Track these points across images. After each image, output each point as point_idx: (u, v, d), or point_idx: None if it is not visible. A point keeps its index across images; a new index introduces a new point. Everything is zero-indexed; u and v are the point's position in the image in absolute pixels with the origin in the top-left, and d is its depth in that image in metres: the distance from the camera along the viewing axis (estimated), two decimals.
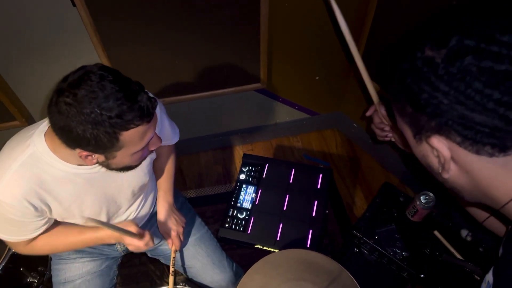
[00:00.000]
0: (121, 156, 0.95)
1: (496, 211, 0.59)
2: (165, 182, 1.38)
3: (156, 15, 1.59)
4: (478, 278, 1.34)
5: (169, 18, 1.61)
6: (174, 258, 1.31)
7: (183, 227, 1.34)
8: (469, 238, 1.33)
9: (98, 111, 0.82)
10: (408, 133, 0.61)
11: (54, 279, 1.35)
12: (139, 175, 1.19)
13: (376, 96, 1.06)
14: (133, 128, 0.87)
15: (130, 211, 1.29)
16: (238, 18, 1.68)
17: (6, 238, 1.08)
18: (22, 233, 1.08)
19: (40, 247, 1.14)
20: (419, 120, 0.56)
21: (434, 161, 0.59)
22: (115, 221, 1.27)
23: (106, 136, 0.85)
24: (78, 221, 1.16)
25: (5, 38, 1.56)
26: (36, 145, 0.97)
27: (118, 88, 0.84)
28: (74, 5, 1.46)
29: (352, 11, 1.79)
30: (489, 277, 0.65)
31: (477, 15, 0.49)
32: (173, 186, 1.40)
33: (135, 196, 1.25)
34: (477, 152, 0.51)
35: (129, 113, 0.85)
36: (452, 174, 0.58)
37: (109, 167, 1.00)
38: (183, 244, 1.41)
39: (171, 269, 1.29)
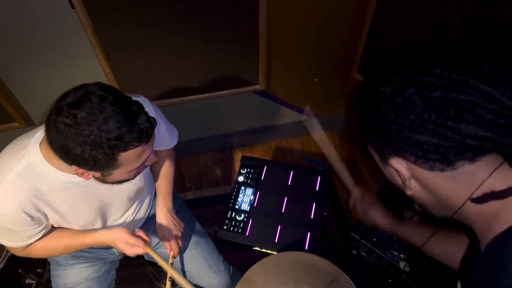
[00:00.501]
0: (118, 174, 0.96)
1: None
2: (164, 187, 1.37)
3: (155, 17, 1.59)
4: None
5: (168, 20, 1.62)
6: (172, 263, 1.31)
7: (181, 232, 1.34)
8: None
9: (97, 133, 0.82)
10: (377, 158, 0.71)
11: (53, 285, 1.36)
12: (135, 181, 1.18)
13: (352, 183, 1.22)
14: (131, 149, 0.88)
15: (127, 216, 1.29)
16: (237, 21, 1.69)
17: (4, 242, 1.09)
18: (19, 240, 1.08)
19: (36, 251, 1.15)
20: (380, 145, 0.66)
21: (398, 180, 0.68)
22: (113, 225, 1.27)
23: (104, 157, 0.86)
24: (75, 227, 1.16)
25: (5, 40, 1.56)
26: (31, 155, 0.97)
27: (118, 110, 0.84)
28: (73, 7, 1.47)
29: (351, 11, 1.79)
30: None
31: (415, 54, 0.61)
32: (172, 190, 1.40)
33: (131, 201, 1.25)
34: (431, 169, 0.60)
35: (128, 135, 0.85)
36: (415, 191, 0.67)
37: (104, 182, 1.00)
38: (181, 249, 1.41)
39: (169, 275, 1.28)
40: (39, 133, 1.00)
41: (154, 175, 1.38)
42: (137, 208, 1.32)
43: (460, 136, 0.54)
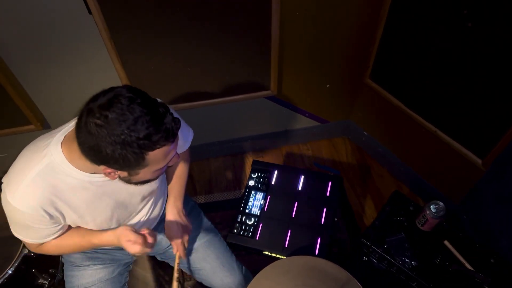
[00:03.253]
0: (144, 173, 0.99)
1: None
2: (176, 188, 1.39)
3: (170, 23, 1.62)
4: None
5: (181, 26, 1.64)
6: (178, 263, 1.33)
7: (188, 234, 1.36)
8: None
9: (128, 133, 0.85)
10: None
11: (67, 286, 1.38)
12: (150, 184, 1.21)
13: None
14: (158, 148, 0.91)
15: (141, 216, 1.31)
16: (249, 26, 1.70)
17: (22, 238, 1.12)
18: (36, 237, 1.12)
19: (49, 248, 1.18)
20: None
21: None
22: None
23: (133, 156, 0.89)
24: (91, 226, 1.18)
25: (23, 45, 1.60)
26: (53, 155, 1.00)
27: (146, 111, 0.87)
28: (90, 12, 1.50)
29: (364, 17, 1.80)
30: None
31: None
32: (183, 192, 1.41)
33: (144, 201, 1.27)
34: None
35: (156, 134, 0.88)
36: None
37: (129, 181, 1.03)
38: (188, 250, 1.43)
39: (175, 275, 1.30)
40: (60, 133, 1.03)
41: (168, 176, 1.40)
42: (151, 209, 1.33)
43: None
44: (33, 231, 1.09)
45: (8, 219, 1.08)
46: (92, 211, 1.12)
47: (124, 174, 0.98)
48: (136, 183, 1.06)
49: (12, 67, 1.68)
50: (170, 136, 0.92)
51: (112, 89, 0.90)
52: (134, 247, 1.09)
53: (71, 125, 1.06)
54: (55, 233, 1.13)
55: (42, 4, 1.47)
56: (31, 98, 1.84)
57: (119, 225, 1.25)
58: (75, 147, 0.95)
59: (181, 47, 1.73)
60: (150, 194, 1.27)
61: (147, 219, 1.33)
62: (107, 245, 1.20)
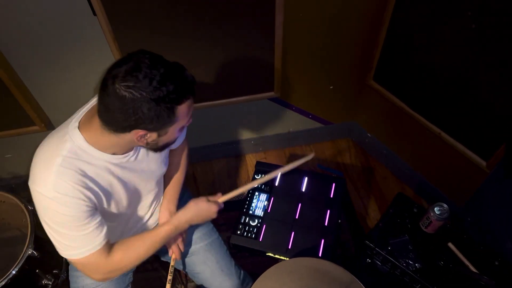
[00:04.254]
0: (172, 132, 1.03)
1: None
2: (170, 191, 1.41)
3: (173, 25, 1.62)
4: None
5: (186, 28, 1.65)
6: (172, 266, 1.35)
7: (182, 237, 1.37)
8: None
9: (160, 88, 0.90)
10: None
11: (71, 286, 1.38)
12: (160, 165, 1.27)
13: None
14: (184, 101, 0.97)
15: (145, 211, 1.34)
16: (253, 28, 1.71)
17: (76, 254, 1.05)
18: (87, 239, 1.05)
19: (120, 259, 1.12)
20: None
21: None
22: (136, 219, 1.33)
23: (166, 111, 0.94)
24: (113, 211, 1.16)
25: (28, 46, 1.61)
26: (73, 139, 1.01)
27: (169, 68, 0.94)
28: (94, 14, 1.51)
29: (367, 19, 1.79)
30: None
31: None
32: (178, 197, 1.42)
33: (156, 186, 1.31)
34: None
35: (182, 87, 0.95)
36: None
37: (156, 145, 1.08)
38: (189, 252, 1.44)
39: (169, 277, 1.32)
40: (74, 120, 1.06)
41: (165, 179, 1.41)
42: (154, 208, 1.36)
43: None
44: (74, 230, 1.02)
45: (52, 228, 1.01)
46: (114, 195, 1.14)
47: (153, 136, 1.01)
48: (158, 149, 1.11)
49: (17, 68, 1.69)
50: (192, 89, 0.99)
51: (129, 55, 0.94)
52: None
53: (82, 112, 1.08)
54: (98, 225, 1.06)
55: (47, 5, 1.48)
56: (36, 99, 1.85)
57: (132, 214, 1.29)
58: (94, 127, 0.99)
59: (185, 48, 1.73)
60: (159, 179, 1.33)
61: (149, 218, 1.35)
62: (180, 230, 1.26)
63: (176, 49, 1.73)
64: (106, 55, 1.69)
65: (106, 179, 1.09)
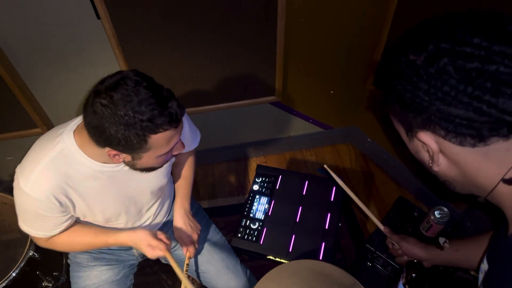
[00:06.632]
0: (147, 158, 0.99)
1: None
2: (183, 189, 1.40)
3: (177, 29, 1.64)
4: None
5: (189, 33, 1.66)
6: (187, 264, 1.32)
7: (198, 234, 1.36)
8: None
9: (132, 114, 0.87)
10: (402, 132, 0.70)
11: (72, 286, 1.38)
12: (159, 177, 1.23)
13: (380, 224, 1.26)
14: (161, 132, 0.92)
15: (148, 215, 1.32)
16: (255, 32, 1.72)
17: (30, 231, 1.13)
18: (45, 229, 1.13)
19: (57, 244, 1.19)
20: (407, 117, 0.62)
21: (425, 156, 0.66)
22: (135, 225, 1.31)
23: (136, 138, 0.90)
24: (99, 219, 1.19)
25: (31, 49, 1.62)
26: (65, 142, 1.02)
27: (151, 94, 0.89)
28: (98, 17, 1.52)
29: (368, 24, 1.81)
30: None
31: (451, 22, 0.56)
32: (190, 193, 1.42)
33: (153, 197, 1.28)
34: (461, 144, 0.57)
35: (159, 118, 0.90)
36: (442, 166, 0.64)
37: (134, 167, 1.04)
38: (197, 250, 1.42)
39: (184, 276, 1.30)
40: (74, 123, 1.06)
41: (174, 177, 1.41)
42: (158, 209, 1.35)
43: (497, 111, 0.51)
44: (41, 221, 1.09)
45: (18, 209, 1.09)
46: (101, 203, 1.14)
47: (128, 158, 0.99)
48: (141, 170, 1.06)
49: (20, 71, 1.70)
50: (174, 121, 0.93)
51: (119, 72, 0.92)
52: (154, 252, 1.13)
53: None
54: (63, 223, 1.13)
55: (51, 8, 1.49)
56: (38, 101, 1.86)
57: (127, 222, 1.26)
58: (85, 133, 0.96)
59: (188, 52, 1.75)
60: (159, 190, 1.28)
61: (154, 219, 1.34)
62: (121, 245, 1.22)
63: (178, 53, 1.74)
64: (109, 58, 1.70)
65: (94, 187, 1.08)
